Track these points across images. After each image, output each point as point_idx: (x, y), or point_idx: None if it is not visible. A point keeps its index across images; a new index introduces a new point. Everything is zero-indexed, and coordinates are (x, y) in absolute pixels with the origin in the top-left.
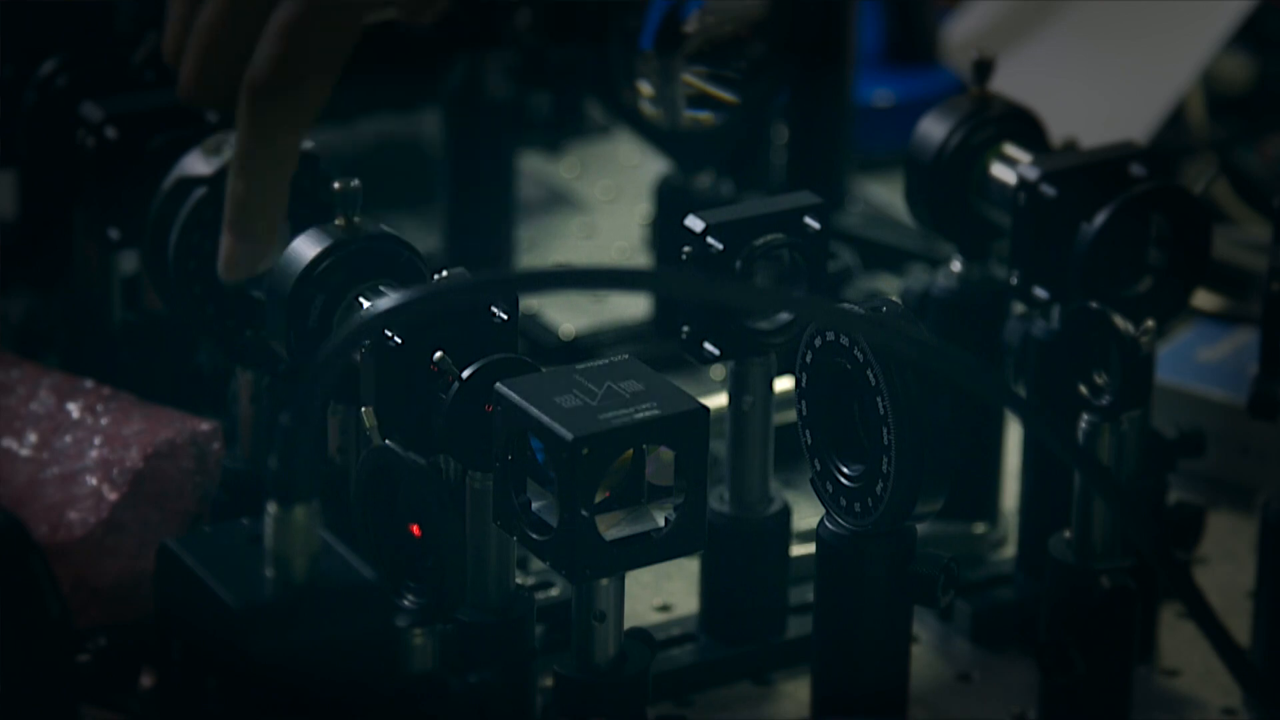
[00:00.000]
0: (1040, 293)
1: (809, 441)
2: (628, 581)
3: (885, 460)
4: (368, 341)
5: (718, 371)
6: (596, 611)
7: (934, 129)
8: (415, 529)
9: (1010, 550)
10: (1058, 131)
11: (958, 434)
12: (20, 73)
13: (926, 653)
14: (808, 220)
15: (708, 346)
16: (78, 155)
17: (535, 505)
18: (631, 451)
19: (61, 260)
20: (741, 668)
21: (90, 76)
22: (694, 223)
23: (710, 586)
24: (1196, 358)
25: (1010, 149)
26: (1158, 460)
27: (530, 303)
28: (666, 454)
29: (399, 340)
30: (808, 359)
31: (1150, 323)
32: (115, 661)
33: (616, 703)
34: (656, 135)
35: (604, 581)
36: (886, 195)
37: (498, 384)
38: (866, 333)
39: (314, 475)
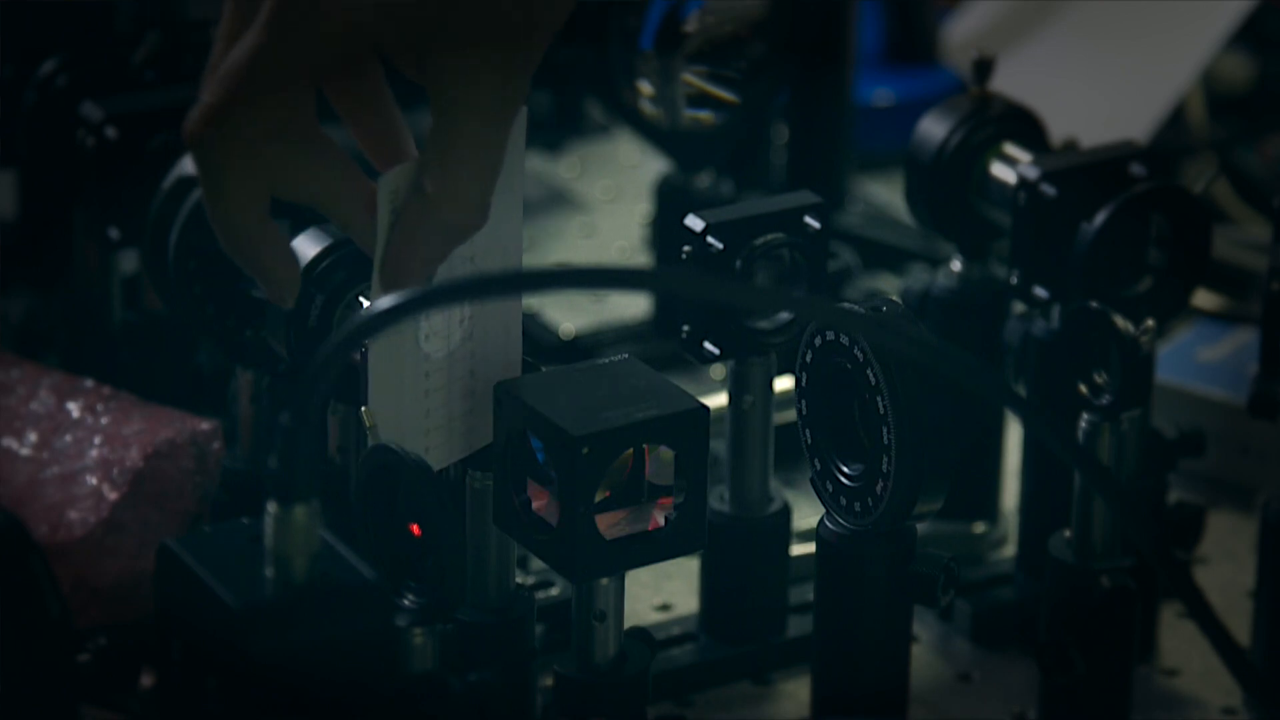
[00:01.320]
0: (1040, 292)
1: (809, 441)
2: (628, 581)
3: (885, 460)
4: (368, 341)
5: (718, 371)
6: (596, 611)
7: (934, 129)
8: (415, 529)
9: (1010, 550)
10: (1058, 131)
11: (958, 434)
12: (20, 73)
13: (926, 653)
14: (808, 220)
15: (708, 346)
16: (78, 155)
17: (535, 505)
18: (632, 451)
19: (61, 260)
20: (741, 668)
21: (90, 76)
22: (694, 222)
23: (710, 586)
24: (1196, 358)
25: (1010, 149)
26: (1158, 460)
27: (530, 303)
28: (666, 453)
29: None
30: (808, 359)
31: (1150, 323)
32: (115, 661)
33: (616, 703)
34: (656, 135)
35: (604, 581)
36: (886, 195)
37: (497, 383)
38: (866, 333)
39: (314, 475)
